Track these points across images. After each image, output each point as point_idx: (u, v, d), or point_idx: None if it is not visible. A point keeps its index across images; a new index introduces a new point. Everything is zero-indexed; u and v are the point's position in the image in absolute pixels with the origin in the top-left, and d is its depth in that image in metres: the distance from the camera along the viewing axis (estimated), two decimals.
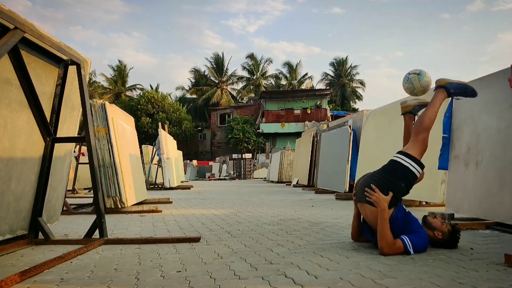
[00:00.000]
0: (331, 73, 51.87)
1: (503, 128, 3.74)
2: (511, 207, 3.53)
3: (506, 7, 76.19)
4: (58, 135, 3.53)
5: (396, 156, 3.02)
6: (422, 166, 2.96)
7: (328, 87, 46.51)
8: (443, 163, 4.60)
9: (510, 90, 3.59)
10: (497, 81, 3.88)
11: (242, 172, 27.64)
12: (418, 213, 5.13)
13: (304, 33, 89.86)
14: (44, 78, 3.35)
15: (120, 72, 48.46)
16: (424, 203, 6.00)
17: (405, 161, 2.94)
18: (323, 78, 52.13)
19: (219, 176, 26.64)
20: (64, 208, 5.51)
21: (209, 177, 26.56)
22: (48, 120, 3.39)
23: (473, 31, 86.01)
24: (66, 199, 5.68)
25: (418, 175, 2.95)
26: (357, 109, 45.87)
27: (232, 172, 27.31)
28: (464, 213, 4.21)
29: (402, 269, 2.33)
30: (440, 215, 4.47)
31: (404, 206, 3.00)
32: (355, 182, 3.07)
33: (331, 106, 42.46)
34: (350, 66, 51.36)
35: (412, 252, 2.70)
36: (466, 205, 4.17)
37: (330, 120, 32.47)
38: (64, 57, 3.38)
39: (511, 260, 2.35)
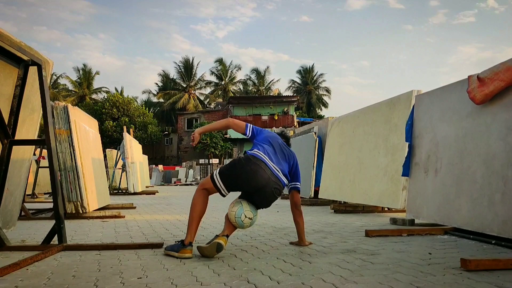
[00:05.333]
0: (298, 81, 52.45)
1: (460, 136, 3.88)
2: (467, 213, 3.66)
3: (466, 21, 79.34)
4: (16, 138, 3.41)
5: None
6: None
7: (295, 94, 46.97)
8: (405, 170, 4.72)
9: (468, 100, 3.73)
10: (456, 91, 4.02)
11: None
12: (380, 219, 5.25)
13: (272, 40, 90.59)
14: (2, 79, 3.24)
15: (86, 75, 47.40)
16: (386, 209, 6.13)
17: None
18: (290, 86, 52.64)
19: (186, 182, 26.34)
20: (22, 213, 5.32)
21: (175, 183, 26.23)
22: (6, 122, 3.28)
23: (435, 42, 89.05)
24: (25, 204, 5.49)
25: None
26: (323, 116, 46.50)
27: (199, 178, 27.08)
28: (423, 219, 4.33)
29: (363, 274, 2.37)
30: (401, 221, 4.59)
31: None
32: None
33: (297, 113, 42.91)
34: (316, 74, 52.10)
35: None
36: (425, 211, 4.29)
37: (297, 126, 32.81)
38: (25, 58, 3.28)
39: (466, 264, 2.43)
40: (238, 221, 3.00)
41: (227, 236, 2.99)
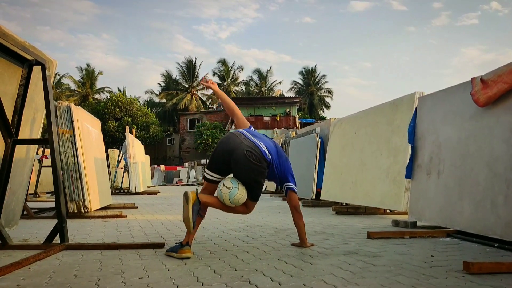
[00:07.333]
0: (300, 82, 52.45)
1: (463, 138, 3.87)
2: (470, 216, 3.64)
3: (469, 23, 79.33)
4: (20, 137, 3.42)
5: None
6: None
7: (297, 95, 46.95)
8: (408, 172, 4.70)
9: (471, 102, 3.72)
10: (458, 93, 4.01)
11: None
12: (382, 221, 5.24)
13: (275, 41, 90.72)
14: (6, 78, 3.25)
15: (89, 75, 47.55)
16: (388, 211, 6.12)
17: None
18: (293, 87, 52.66)
19: (187, 182, 26.34)
20: (25, 212, 5.33)
21: (177, 183, 26.23)
22: (10, 121, 3.29)
23: (438, 44, 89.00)
24: (27, 203, 5.50)
25: None
26: (325, 117, 46.47)
27: (200, 178, 27.06)
28: (426, 221, 4.32)
29: (365, 276, 2.37)
30: (403, 223, 4.58)
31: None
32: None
33: (299, 114, 42.89)
34: (319, 75, 52.12)
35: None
36: (427, 213, 4.28)
37: (299, 127, 32.77)
38: (29, 57, 3.29)
39: (469, 267, 2.42)
40: (218, 192, 3.06)
41: (197, 194, 2.97)
